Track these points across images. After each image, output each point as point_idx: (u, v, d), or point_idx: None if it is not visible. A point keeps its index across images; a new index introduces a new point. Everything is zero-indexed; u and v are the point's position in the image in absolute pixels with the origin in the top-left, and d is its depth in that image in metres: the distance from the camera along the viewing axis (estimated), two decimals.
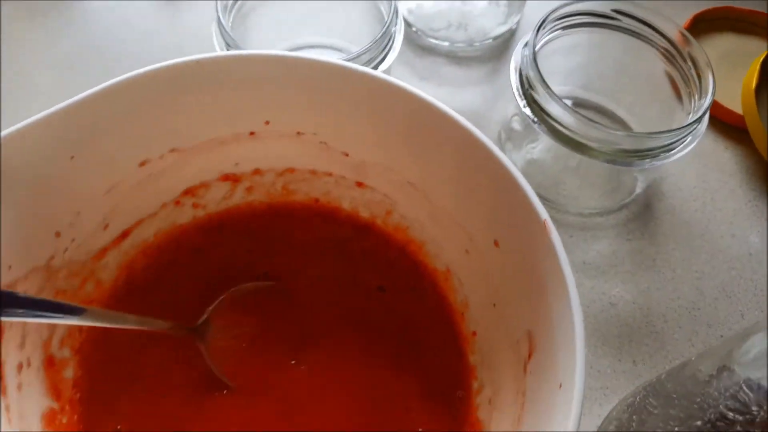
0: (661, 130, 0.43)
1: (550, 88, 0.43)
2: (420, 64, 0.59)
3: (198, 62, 0.36)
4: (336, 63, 0.36)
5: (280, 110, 0.39)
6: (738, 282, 0.49)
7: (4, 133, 0.32)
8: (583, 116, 0.43)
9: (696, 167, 0.54)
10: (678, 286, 0.48)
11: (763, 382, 0.29)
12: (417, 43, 0.60)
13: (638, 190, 0.52)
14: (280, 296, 0.42)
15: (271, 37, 0.55)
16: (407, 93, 0.35)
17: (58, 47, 0.59)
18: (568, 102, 0.56)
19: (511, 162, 0.31)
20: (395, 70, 0.54)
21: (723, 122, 0.56)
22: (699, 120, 0.43)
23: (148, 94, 0.36)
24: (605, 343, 0.46)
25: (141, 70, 0.35)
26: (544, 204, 0.51)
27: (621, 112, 0.55)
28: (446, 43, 0.60)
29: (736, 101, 0.56)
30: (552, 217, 0.51)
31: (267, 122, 0.40)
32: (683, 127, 0.43)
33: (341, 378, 0.40)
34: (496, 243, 0.36)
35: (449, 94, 0.58)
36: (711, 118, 0.56)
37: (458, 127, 0.34)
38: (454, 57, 0.60)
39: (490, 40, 0.60)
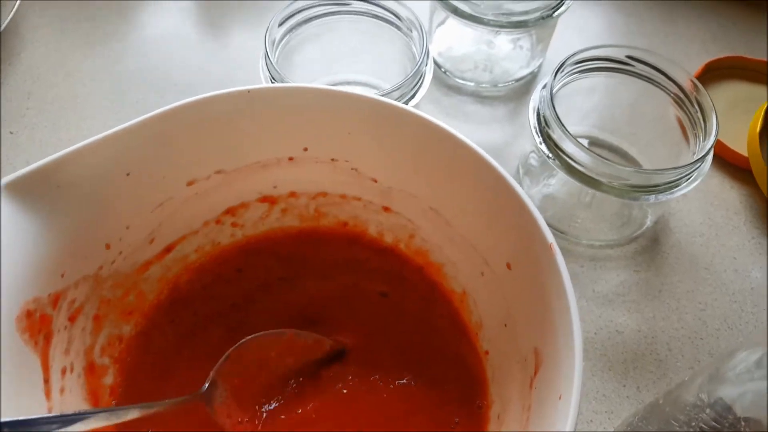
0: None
1: (564, 127, 0.47)
2: (447, 101, 0.63)
3: (249, 92, 0.40)
4: (370, 97, 0.40)
5: (317, 138, 0.43)
6: (739, 314, 0.51)
7: (64, 151, 0.35)
8: (594, 153, 0.46)
9: (703, 205, 0.57)
10: (682, 316, 0.51)
11: (735, 403, 0.31)
12: (445, 83, 0.65)
13: (647, 224, 0.55)
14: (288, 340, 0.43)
15: (311, 72, 0.60)
16: (432, 125, 0.39)
17: (113, 74, 0.64)
18: (584, 141, 0.60)
19: (528, 195, 0.34)
20: (424, 106, 0.58)
21: (730, 163, 0.60)
22: (702, 159, 0.47)
23: (200, 119, 0.40)
24: (611, 369, 0.48)
25: (195, 98, 0.39)
26: (557, 235, 0.55)
27: (633, 152, 0.58)
28: (472, 84, 0.64)
29: (743, 144, 0.59)
30: (565, 248, 0.55)
31: (305, 149, 0.44)
32: (687, 164, 0.46)
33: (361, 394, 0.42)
34: (508, 266, 0.39)
35: (473, 131, 0.62)
36: (719, 159, 0.60)
37: (477, 158, 0.38)
38: (478, 96, 0.64)
39: (513, 82, 0.64)
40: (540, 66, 0.65)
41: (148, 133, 0.38)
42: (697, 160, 0.46)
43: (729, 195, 0.58)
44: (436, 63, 0.65)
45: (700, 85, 0.50)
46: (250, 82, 0.51)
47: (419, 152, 0.41)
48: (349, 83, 0.63)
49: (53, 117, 0.61)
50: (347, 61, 0.61)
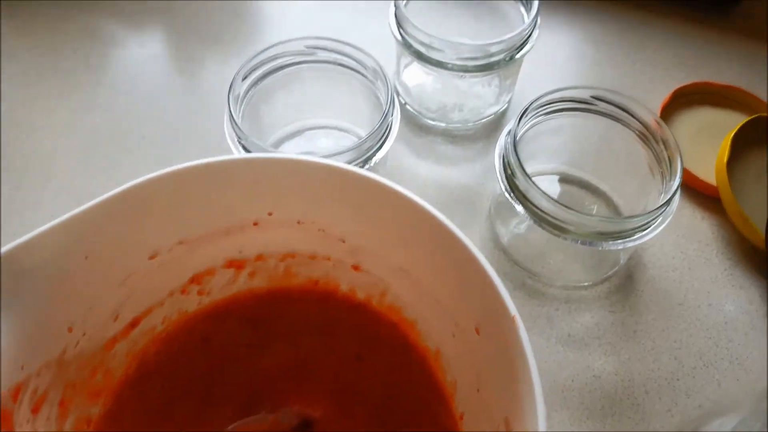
0: (639, 204, 0.47)
1: (528, 176, 0.47)
2: (417, 142, 0.63)
3: (207, 165, 0.39)
4: (326, 164, 0.40)
5: (281, 203, 0.43)
6: (714, 350, 0.51)
7: (22, 239, 0.34)
8: (558, 202, 0.46)
9: (675, 238, 0.57)
10: (658, 356, 0.51)
11: None
12: (415, 123, 0.64)
13: (621, 263, 0.54)
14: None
15: (280, 120, 0.60)
16: (392, 190, 0.38)
17: (80, 128, 0.63)
18: (555, 177, 0.60)
19: (499, 235, 0.34)
20: (394, 148, 0.57)
21: (700, 193, 0.60)
22: (669, 202, 0.47)
23: (160, 195, 0.39)
24: (590, 417, 0.48)
25: (153, 174, 0.39)
26: (531, 277, 0.55)
27: (604, 187, 0.58)
28: (443, 124, 0.64)
29: (711, 170, 0.59)
30: (538, 290, 0.54)
31: (270, 213, 0.43)
32: (654, 209, 0.46)
33: None
34: (477, 330, 0.39)
35: (444, 171, 0.61)
36: (689, 189, 0.60)
37: (441, 227, 0.37)
38: (449, 135, 0.63)
39: (483, 120, 0.64)
40: (509, 101, 0.65)
41: (103, 215, 0.37)
42: (664, 203, 0.46)
43: (700, 226, 0.58)
44: (405, 104, 0.65)
45: (662, 123, 0.50)
46: (220, 131, 0.51)
47: (382, 216, 0.41)
48: (320, 128, 0.63)
49: (17, 176, 0.60)
50: (316, 108, 0.60)
